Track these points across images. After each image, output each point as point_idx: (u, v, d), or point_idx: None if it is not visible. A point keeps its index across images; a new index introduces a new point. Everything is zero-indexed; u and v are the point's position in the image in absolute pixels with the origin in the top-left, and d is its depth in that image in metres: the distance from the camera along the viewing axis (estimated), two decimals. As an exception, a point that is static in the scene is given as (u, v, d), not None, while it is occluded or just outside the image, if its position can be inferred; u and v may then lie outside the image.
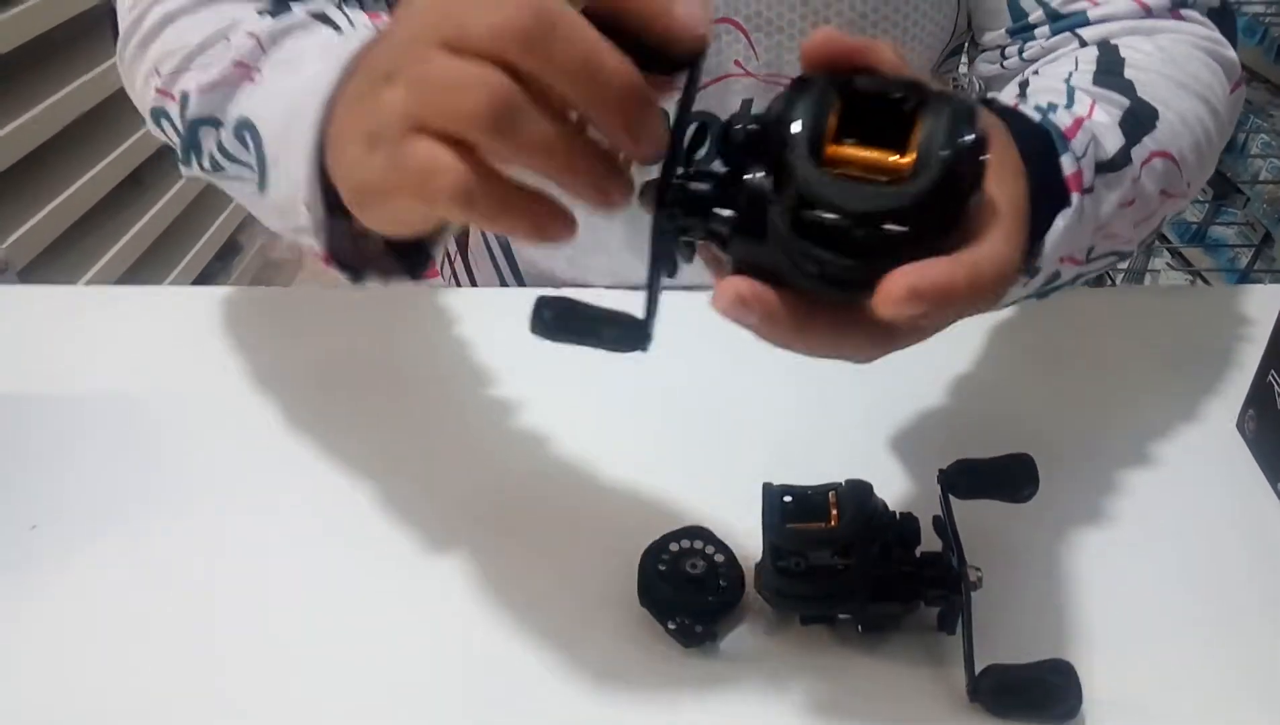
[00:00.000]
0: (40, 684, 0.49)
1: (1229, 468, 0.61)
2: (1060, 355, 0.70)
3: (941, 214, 0.34)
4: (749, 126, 0.36)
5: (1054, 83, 0.57)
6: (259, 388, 0.66)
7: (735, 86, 0.73)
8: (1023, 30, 0.69)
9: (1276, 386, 0.59)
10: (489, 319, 0.72)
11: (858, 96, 0.36)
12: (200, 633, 0.51)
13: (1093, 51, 0.62)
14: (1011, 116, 0.49)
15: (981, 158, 0.35)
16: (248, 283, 2.01)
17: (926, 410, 0.65)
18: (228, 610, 0.52)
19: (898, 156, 0.35)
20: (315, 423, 0.63)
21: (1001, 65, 0.71)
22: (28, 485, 0.59)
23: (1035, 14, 0.69)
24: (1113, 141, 0.52)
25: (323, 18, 0.56)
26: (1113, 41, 0.63)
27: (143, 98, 0.60)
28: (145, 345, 0.71)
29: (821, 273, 0.35)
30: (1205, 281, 2.21)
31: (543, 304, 0.37)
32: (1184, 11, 0.66)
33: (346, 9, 0.60)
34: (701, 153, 0.38)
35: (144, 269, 1.68)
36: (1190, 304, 0.76)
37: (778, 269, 0.36)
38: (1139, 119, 0.55)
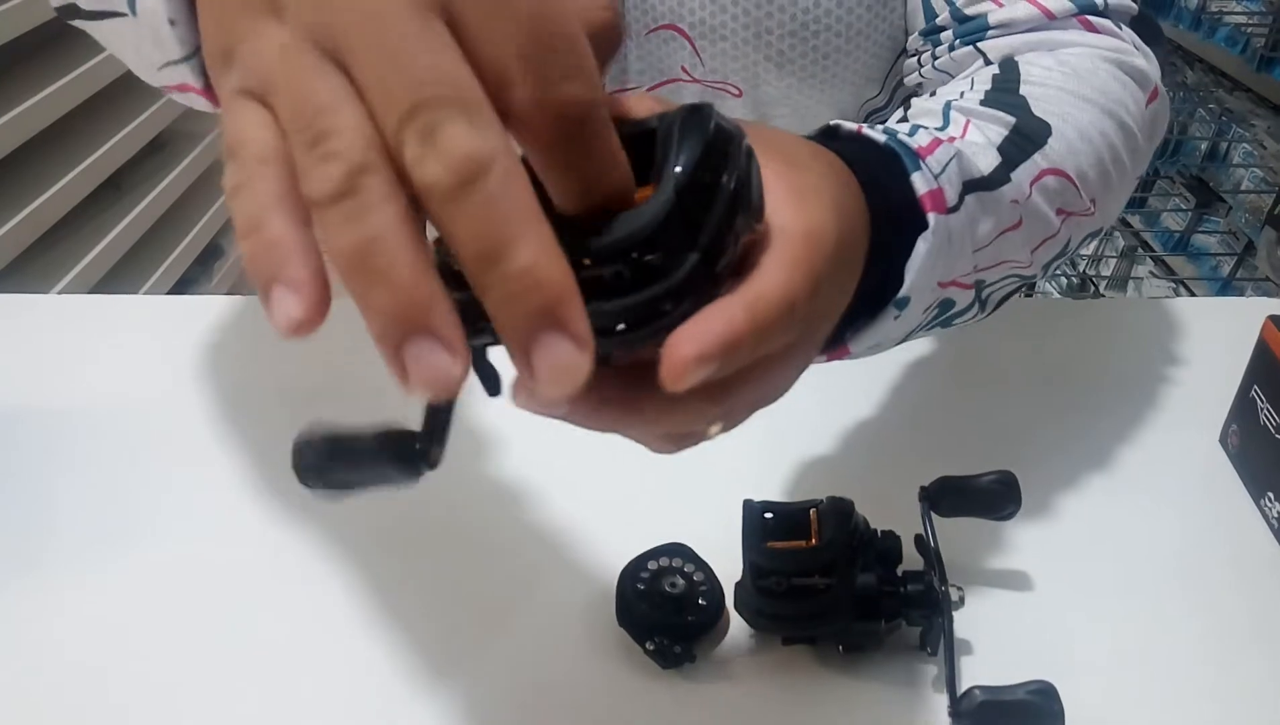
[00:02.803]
0: (7, 702, 0.48)
1: (1212, 483, 0.61)
2: (1043, 369, 0.70)
3: (697, 222, 0.30)
4: None
5: (935, 105, 0.55)
6: (234, 401, 0.65)
7: (684, 91, 0.74)
8: (933, 32, 0.68)
9: (1260, 402, 0.59)
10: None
11: None
12: (179, 649, 0.50)
13: (992, 71, 0.59)
14: (855, 141, 0.46)
15: (725, 157, 0.31)
16: (229, 287, 2.00)
17: (908, 426, 0.64)
18: (205, 626, 0.51)
19: (646, 188, 0.31)
20: (292, 436, 0.62)
21: (919, 73, 0.70)
22: (-6, 500, 0.58)
23: (943, 14, 0.67)
24: (986, 160, 0.49)
25: None
26: (1015, 59, 0.61)
27: None
28: (120, 357, 0.70)
29: (605, 327, 0.30)
30: (1188, 289, 2.23)
31: (302, 449, 0.32)
32: (1094, 20, 0.63)
33: None
34: None
35: (122, 274, 1.66)
36: (1172, 316, 0.75)
37: None
38: (1027, 136, 0.52)
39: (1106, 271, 2.41)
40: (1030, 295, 2.37)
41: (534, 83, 0.27)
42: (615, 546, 0.51)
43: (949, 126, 0.51)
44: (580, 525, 0.56)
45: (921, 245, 0.44)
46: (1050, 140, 0.53)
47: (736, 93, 0.73)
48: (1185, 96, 2.26)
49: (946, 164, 0.46)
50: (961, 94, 0.56)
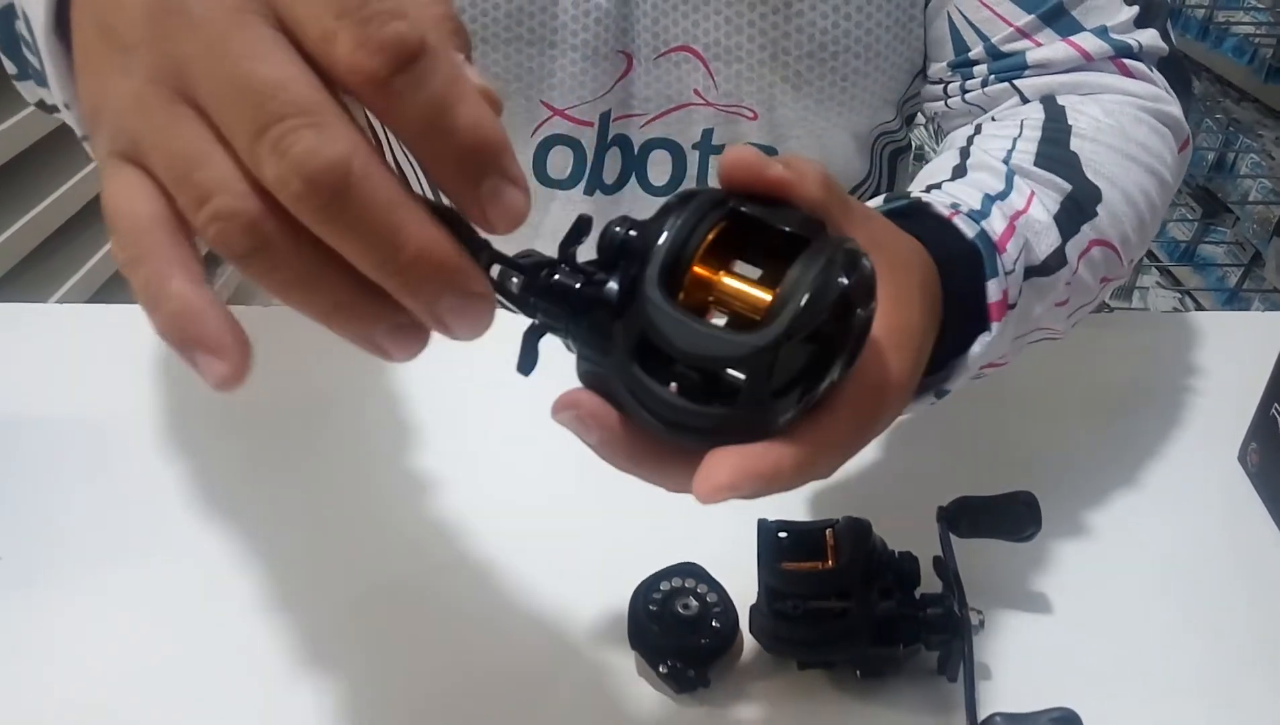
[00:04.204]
0: (7, 710, 0.47)
1: (1232, 502, 0.60)
2: (1059, 386, 0.69)
3: (779, 378, 0.31)
4: (628, 231, 0.32)
5: (994, 159, 0.53)
6: (235, 410, 0.64)
7: (696, 116, 0.72)
8: (964, 65, 0.67)
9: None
10: (472, 346, 0.70)
11: (745, 219, 0.32)
12: (182, 659, 0.49)
13: (1038, 114, 0.59)
14: (944, 229, 0.46)
15: (850, 316, 0.31)
16: (229, 296, 1.99)
17: (925, 445, 0.63)
18: (207, 636, 0.50)
19: (763, 292, 0.31)
20: (295, 450, 0.62)
21: (945, 103, 0.69)
22: (-8, 515, 0.57)
23: (976, 49, 0.66)
24: (1047, 243, 0.49)
25: None
26: (1059, 101, 0.60)
27: None
28: (119, 366, 0.69)
29: (651, 407, 0.31)
30: (1194, 300, 2.22)
31: None
32: (1128, 63, 0.63)
33: None
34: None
35: (121, 281, 1.66)
36: (1187, 331, 0.75)
37: (616, 391, 0.33)
38: (1079, 205, 0.52)
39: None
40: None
41: (353, 30, 0.26)
42: (627, 566, 0.50)
43: (1012, 193, 0.50)
44: (591, 544, 0.55)
45: (977, 347, 0.44)
46: (1099, 209, 0.53)
47: (751, 115, 0.72)
48: (1192, 107, 2.26)
49: (1017, 259, 0.46)
50: (1014, 142, 0.55)
